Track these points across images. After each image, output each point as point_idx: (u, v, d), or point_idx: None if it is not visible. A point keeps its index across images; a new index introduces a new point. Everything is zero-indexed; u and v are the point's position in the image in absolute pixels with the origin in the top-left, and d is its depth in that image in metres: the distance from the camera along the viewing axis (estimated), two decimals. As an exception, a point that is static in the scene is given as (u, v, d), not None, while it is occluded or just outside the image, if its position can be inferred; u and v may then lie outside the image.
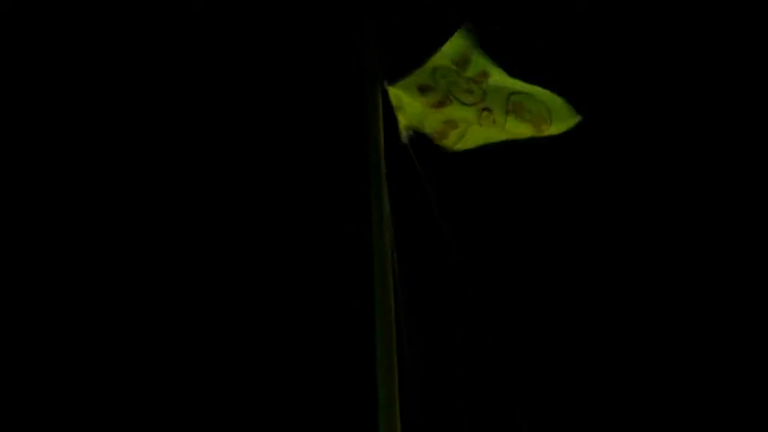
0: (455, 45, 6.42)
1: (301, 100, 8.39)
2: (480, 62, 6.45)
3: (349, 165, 8.39)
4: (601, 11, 8.52)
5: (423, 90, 6.31)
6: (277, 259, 8.14)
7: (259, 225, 8.20)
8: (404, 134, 6.26)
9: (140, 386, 7.97)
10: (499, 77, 6.48)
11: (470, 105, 6.44)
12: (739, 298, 8.35)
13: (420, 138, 6.28)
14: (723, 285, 8.36)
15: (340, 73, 8.52)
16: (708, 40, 8.55)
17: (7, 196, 8.19)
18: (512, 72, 6.48)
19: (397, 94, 6.33)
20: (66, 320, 8.06)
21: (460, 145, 6.52)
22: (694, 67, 8.60)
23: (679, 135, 8.60)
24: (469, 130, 6.51)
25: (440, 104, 6.31)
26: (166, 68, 8.38)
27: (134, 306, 8.07)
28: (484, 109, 6.48)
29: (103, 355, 8.01)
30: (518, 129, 6.49)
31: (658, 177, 8.54)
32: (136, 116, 8.40)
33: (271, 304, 8.07)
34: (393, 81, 6.34)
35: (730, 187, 8.52)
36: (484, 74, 6.51)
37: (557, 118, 6.51)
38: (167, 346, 8.01)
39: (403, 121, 6.28)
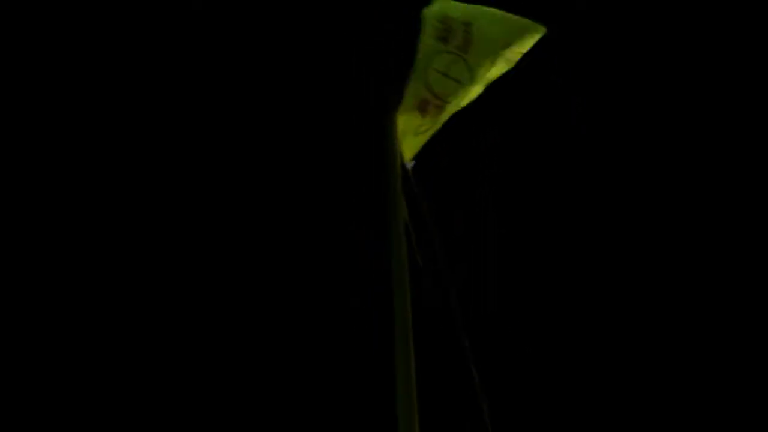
0: (435, 13, 6.21)
1: (300, 101, 8.39)
2: (457, 16, 6.25)
3: (349, 165, 8.40)
4: (601, 11, 8.52)
5: (422, 108, 6.10)
6: (276, 259, 8.15)
7: (259, 225, 8.21)
8: (409, 164, 6.12)
9: (140, 386, 7.97)
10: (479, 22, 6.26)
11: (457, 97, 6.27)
12: (740, 298, 8.35)
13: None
14: (724, 286, 8.36)
15: (339, 73, 8.53)
16: (709, 41, 8.55)
17: (6, 196, 8.19)
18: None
19: (403, 120, 6.13)
20: (66, 320, 8.07)
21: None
22: (695, 68, 8.60)
23: (680, 135, 8.61)
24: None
25: (438, 109, 6.12)
26: (166, 68, 8.38)
27: (136, 306, 8.08)
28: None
29: (103, 355, 8.01)
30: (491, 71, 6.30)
31: (659, 177, 8.54)
32: (136, 116, 8.40)
33: (269, 304, 8.07)
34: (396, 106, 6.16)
35: (730, 187, 8.52)
36: (467, 32, 6.30)
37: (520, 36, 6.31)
38: (164, 346, 8.01)
39: (407, 152, 6.12)
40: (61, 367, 8.04)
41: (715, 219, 8.49)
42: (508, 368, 8.09)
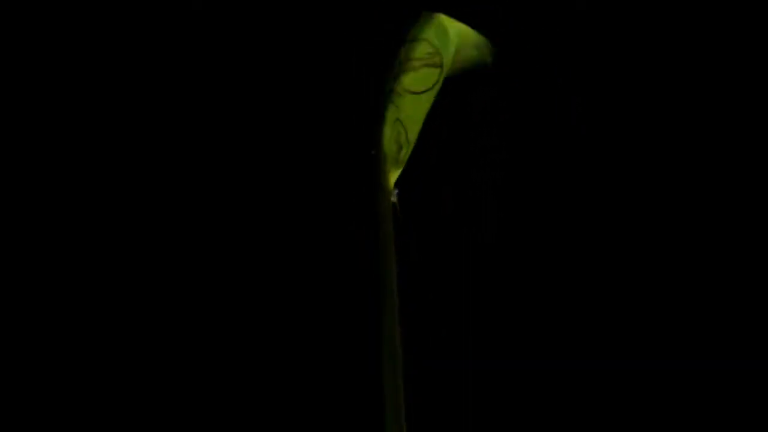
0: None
1: (300, 100, 8.41)
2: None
3: (349, 164, 8.40)
4: (601, 11, 8.53)
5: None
6: (275, 259, 8.17)
7: (259, 224, 8.22)
8: (393, 192, 6.03)
9: (141, 386, 7.99)
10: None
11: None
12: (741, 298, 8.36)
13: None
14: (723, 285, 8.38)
15: (339, 74, 8.53)
16: (711, 40, 8.56)
17: (6, 196, 8.21)
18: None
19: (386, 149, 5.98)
20: (66, 320, 8.08)
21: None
22: (696, 68, 8.61)
23: (682, 135, 8.62)
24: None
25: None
26: (165, 68, 8.40)
27: (129, 304, 8.09)
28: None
29: (103, 355, 8.02)
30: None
31: (659, 177, 8.56)
32: (136, 117, 8.41)
33: (269, 303, 8.09)
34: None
35: (731, 186, 8.54)
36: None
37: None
38: (164, 347, 8.03)
39: (392, 180, 6.01)
40: (61, 366, 8.06)
41: (715, 219, 8.50)
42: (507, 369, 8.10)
